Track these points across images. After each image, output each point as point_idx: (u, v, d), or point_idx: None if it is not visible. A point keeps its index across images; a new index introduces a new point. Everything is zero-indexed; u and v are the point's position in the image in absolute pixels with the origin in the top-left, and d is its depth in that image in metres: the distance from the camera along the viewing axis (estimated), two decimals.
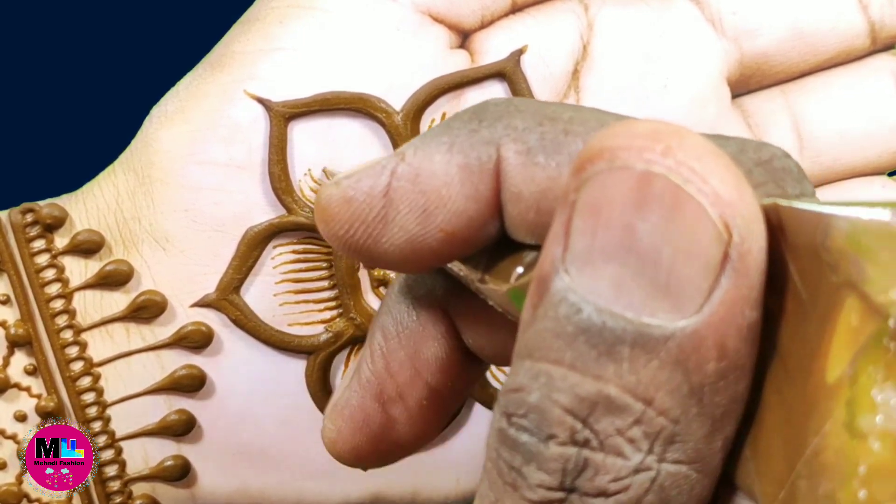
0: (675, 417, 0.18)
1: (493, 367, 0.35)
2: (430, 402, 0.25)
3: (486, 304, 0.23)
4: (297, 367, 0.34)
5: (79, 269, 0.33)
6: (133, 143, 0.34)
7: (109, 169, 0.34)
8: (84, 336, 0.33)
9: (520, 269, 0.22)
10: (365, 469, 0.27)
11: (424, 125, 0.34)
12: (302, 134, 0.33)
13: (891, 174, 0.37)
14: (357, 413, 0.26)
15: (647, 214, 0.18)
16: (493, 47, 0.34)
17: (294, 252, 0.34)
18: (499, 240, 0.23)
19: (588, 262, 0.18)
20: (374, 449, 0.26)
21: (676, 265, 0.18)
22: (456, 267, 0.23)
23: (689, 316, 0.18)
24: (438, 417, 0.26)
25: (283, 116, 0.33)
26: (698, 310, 0.18)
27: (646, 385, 0.18)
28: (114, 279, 0.33)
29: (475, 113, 0.23)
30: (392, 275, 0.34)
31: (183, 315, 0.34)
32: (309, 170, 0.33)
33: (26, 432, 0.33)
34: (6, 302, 0.33)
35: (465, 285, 0.23)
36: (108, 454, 0.34)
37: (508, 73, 0.34)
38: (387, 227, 0.22)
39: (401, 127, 0.33)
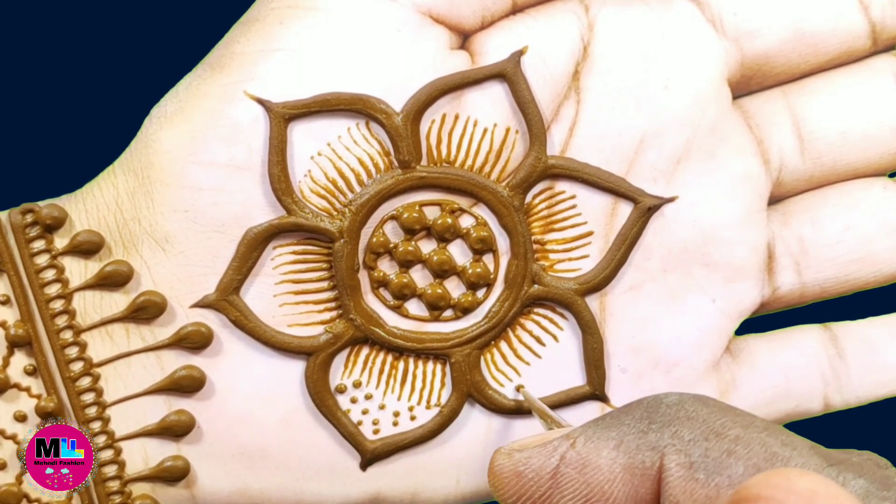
0: None
1: (491, 366, 0.35)
2: None
3: None
4: (296, 368, 0.34)
5: (78, 270, 0.33)
6: (133, 143, 0.34)
7: (109, 169, 0.34)
8: (84, 336, 0.33)
9: None
10: None
11: (424, 126, 0.34)
12: (302, 135, 0.33)
13: (892, 175, 0.37)
14: None
15: None
16: (493, 48, 0.34)
17: (294, 253, 0.34)
18: None
19: None
20: None
21: None
22: None
23: None
24: None
25: (283, 117, 0.33)
26: None
27: None
28: (113, 280, 0.33)
29: (647, 411, 0.25)
30: (392, 277, 0.34)
31: (183, 316, 0.34)
32: (309, 171, 0.33)
33: (26, 432, 0.33)
34: (6, 302, 0.33)
35: None
36: (107, 454, 0.34)
37: (509, 73, 0.34)
38: None
39: (401, 128, 0.33)
